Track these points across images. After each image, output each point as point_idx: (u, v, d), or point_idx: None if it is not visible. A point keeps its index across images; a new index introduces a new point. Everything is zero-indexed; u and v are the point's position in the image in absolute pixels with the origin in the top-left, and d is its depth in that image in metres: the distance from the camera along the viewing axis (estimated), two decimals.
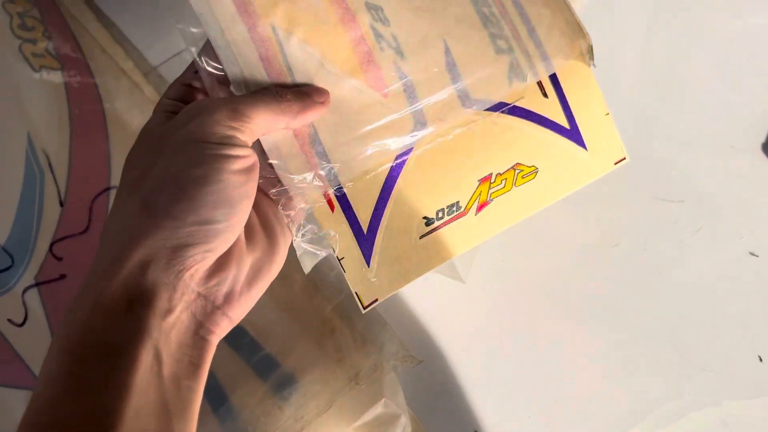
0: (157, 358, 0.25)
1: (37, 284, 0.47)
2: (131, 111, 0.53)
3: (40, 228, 0.49)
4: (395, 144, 0.35)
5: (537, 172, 0.39)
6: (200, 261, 0.26)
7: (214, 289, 0.27)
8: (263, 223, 0.31)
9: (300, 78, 0.33)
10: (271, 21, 0.33)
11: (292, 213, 0.33)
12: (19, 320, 0.46)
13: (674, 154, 0.45)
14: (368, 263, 0.35)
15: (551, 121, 0.39)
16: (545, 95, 0.39)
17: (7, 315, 0.46)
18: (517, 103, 0.38)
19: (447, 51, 0.37)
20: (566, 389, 0.41)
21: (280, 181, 0.33)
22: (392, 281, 0.35)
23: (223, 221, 0.26)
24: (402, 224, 0.36)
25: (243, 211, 0.27)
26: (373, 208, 0.36)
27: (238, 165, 0.27)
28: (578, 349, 0.42)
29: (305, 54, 0.33)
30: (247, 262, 0.29)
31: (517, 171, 0.38)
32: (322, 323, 0.45)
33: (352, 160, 0.34)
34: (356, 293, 0.35)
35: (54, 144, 0.52)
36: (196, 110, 0.28)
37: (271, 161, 0.32)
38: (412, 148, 0.36)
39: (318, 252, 0.35)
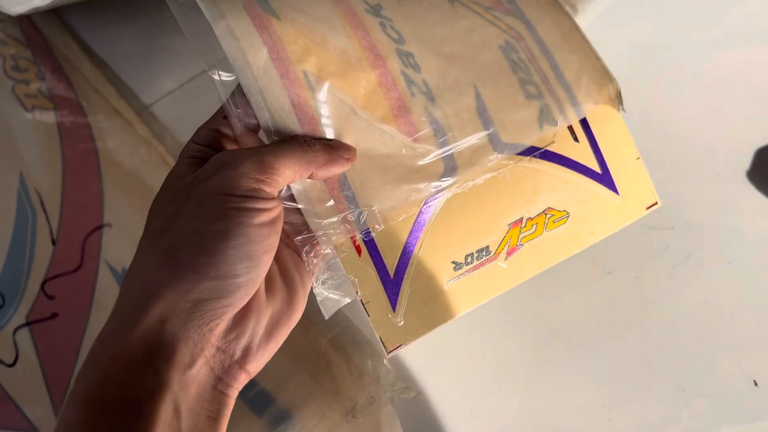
0: (176, 412, 0.25)
1: (28, 323, 0.46)
2: (124, 150, 0.54)
3: (32, 267, 0.49)
4: (426, 188, 0.35)
5: (568, 216, 0.38)
6: (220, 315, 0.26)
7: (233, 343, 0.27)
8: (283, 272, 0.31)
9: (332, 123, 0.33)
10: (303, 67, 0.32)
11: (316, 260, 0.33)
12: (10, 360, 0.45)
13: (662, 184, 0.46)
14: (394, 308, 0.35)
15: (583, 166, 0.39)
16: (576, 139, 0.39)
17: None
18: (549, 148, 0.38)
19: (477, 96, 0.36)
20: (564, 419, 0.41)
21: (305, 228, 0.32)
22: (417, 327, 0.35)
23: (245, 275, 0.26)
24: (430, 269, 0.36)
25: (264, 264, 0.27)
26: (400, 253, 0.35)
27: (262, 218, 0.27)
28: (575, 378, 0.42)
29: (337, 100, 0.33)
30: (266, 314, 0.29)
31: (548, 216, 0.38)
32: (317, 357, 0.45)
33: (381, 205, 0.34)
34: (380, 338, 0.34)
35: (46, 183, 0.52)
36: (222, 162, 0.28)
37: (299, 206, 0.32)
38: (442, 192, 0.36)
39: (341, 298, 0.34)
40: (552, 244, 0.37)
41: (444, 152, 0.35)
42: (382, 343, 0.34)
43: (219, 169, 0.27)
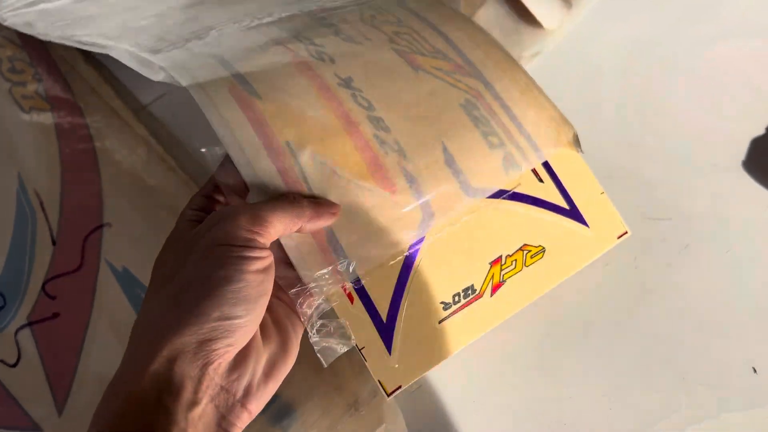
0: None
1: (30, 324, 0.46)
2: (122, 149, 0.54)
3: (33, 267, 0.49)
4: (407, 235, 0.38)
5: (544, 251, 0.40)
6: (223, 355, 0.28)
7: (235, 383, 0.29)
8: (275, 321, 0.34)
9: (315, 184, 0.36)
10: (285, 138, 0.36)
11: (310, 311, 0.35)
12: (12, 361, 0.45)
13: (660, 175, 0.46)
14: (389, 351, 0.36)
15: (551, 203, 0.41)
16: (541, 180, 0.42)
17: (0, 356, 0.46)
18: (516, 189, 0.41)
19: (445, 150, 0.40)
20: (565, 409, 0.41)
21: (298, 281, 0.35)
22: (414, 368, 0.37)
23: (244, 317, 0.29)
24: (420, 311, 0.38)
25: (261, 306, 0.30)
26: (391, 298, 0.37)
27: (257, 266, 0.30)
28: (575, 368, 0.42)
29: (318, 164, 0.36)
30: (263, 357, 0.31)
31: (525, 251, 0.40)
32: None
33: (368, 254, 0.37)
34: (379, 381, 0.36)
35: (45, 184, 0.52)
36: (219, 216, 0.31)
37: (291, 259, 0.35)
38: (424, 237, 0.38)
39: (338, 346, 0.36)
40: (533, 278, 0.40)
41: (420, 201, 0.38)
42: (381, 386, 0.36)
43: (217, 223, 0.31)
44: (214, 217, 0.32)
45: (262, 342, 0.31)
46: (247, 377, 0.30)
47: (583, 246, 0.41)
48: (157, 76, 0.39)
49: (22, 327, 0.46)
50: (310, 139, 0.37)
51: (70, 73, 0.58)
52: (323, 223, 0.35)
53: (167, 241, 0.33)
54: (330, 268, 0.36)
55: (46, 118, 0.56)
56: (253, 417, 0.31)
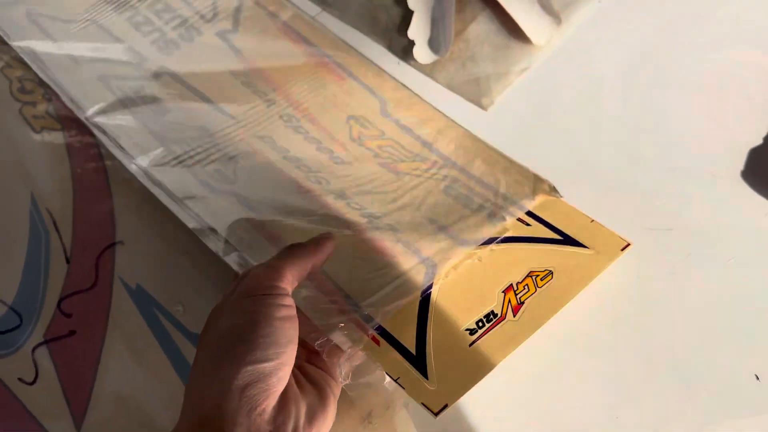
0: None
1: (46, 341, 0.48)
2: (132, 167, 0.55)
3: (48, 286, 0.50)
4: (415, 284, 0.42)
5: (552, 273, 0.43)
6: (264, 399, 0.31)
7: (282, 427, 0.31)
8: (309, 380, 0.36)
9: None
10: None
11: (336, 360, 0.38)
12: (30, 378, 0.46)
13: (660, 185, 0.47)
14: (426, 376, 0.38)
15: (542, 238, 0.45)
16: (527, 224, 0.46)
17: (18, 374, 0.47)
18: (506, 235, 0.45)
19: (433, 222, 0.46)
20: (572, 419, 0.42)
21: (323, 335, 0.39)
22: (457, 387, 0.38)
23: (275, 359, 0.31)
24: (448, 339, 0.40)
25: (291, 351, 0.33)
26: (415, 334, 0.40)
27: (282, 312, 0.33)
28: (580, 379, 0.43)
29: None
30: (302, 405, 0.33)
31: (534, 276, 0.43)
32: None
33: (381, 305, 0.41)
34: (423, 404, 0.37)
35: (58, 203, 0.53)
36: (242, 276, 0.36)
37: (312, 318, 0.39)
38: (433, 283, 0.43)
39: (372, 382, 0.39)
40: (550, 295, 0.42)
41: (420, 258, 0.44)
42: (427, 408, 0.37)
43: (241, 281, 0.35)
44: (239, 278, 0.36)
45: (299, 392, 0.34)
46: (292, 421, 0.32)
47: (589, 263, 0.43)
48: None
49: (38, 345, 0.47)
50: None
51: None
52: (328, 251, 0.39)
53: (213, 310, 0.36)
54: (346, 317, 0.40)
55: (57, 137, 0.57)
56: None
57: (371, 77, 0.57)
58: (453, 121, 0.54)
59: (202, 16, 0.62)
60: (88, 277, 0.50)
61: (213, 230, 0.47)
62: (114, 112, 0.55)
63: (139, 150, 0.52)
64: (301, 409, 0.33)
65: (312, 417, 0.33)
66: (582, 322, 0.43)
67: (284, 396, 0.32)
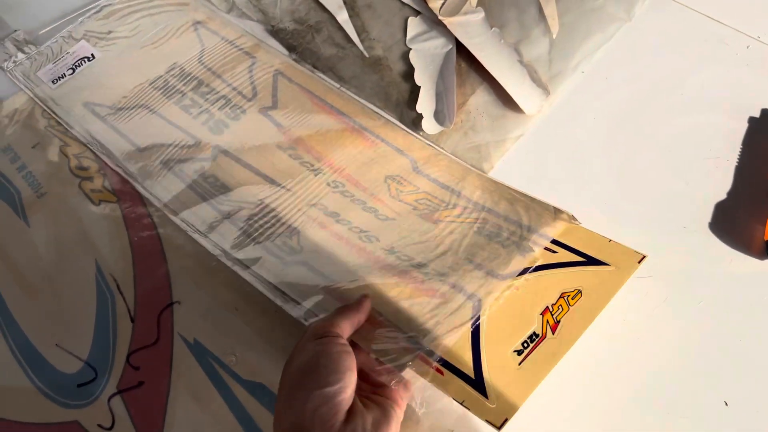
0: None
1: (119, 392, 0.55)
2: (182, 235, 0.62)
3: (117, 342, 0.57)
4: (465, 319, 0.51)
5: (581, 292, 0.50)
6: (333, 416, 0.40)
7: (357, 427, 0.40)
8: (374, 401, 0.45)
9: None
10: None
11: (407, 389, 0.47)
12: (108, 424, 0.54)
13: (639, 236, 0.54)
14: (486, 397, 0.46)
15: (568, 262, 0.52)
16: (554, 251, 0.54)
17: (97, 421, 0.54)
18: (537, 264, 0.53)
19: (470, 262, 0.55)
20: None
21: (396, 373, 0.47)
22: (513, 402, 0.45)
23: (337, 384, 0.40)
24: (500, 362, 0.48)
25: (349, 376, 0.42)
26: (472, 361, 0.48)
27: (338, 348, 0.43)
28: (573, 411, 0.50)
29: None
30: (368, 417, 0.41)
31: (565, 297, 0.50)
32: None
33: (437, 337, 0.50)
34: (487, 421, 0.45)
35: (120, 268, 0.61)
36: (307, 328, 0.46)
37: (386, 363, 0.48)
38: (480, 314, 0.51)
39: (442, 408, 0.49)
40: (582, 311, 0.50)
41: (467, 296, 0.52)
42: (491, 424, 0.45)
43: (306, 331, 0.46)
44: (305, 330, 0.46)
45: (365, 410, 0.42)
46: (359, 429, 0.40)
47: (612, 278, 0.51)
48: None
49: (113, 395, 0.55)
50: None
51: None
52: (367, 308, 0.50)
53: (290, 355, 0.45)
54: (412, 355, 0.48)
55: (114, 209, 0.65)
56: None
57: (400, 140, 0.65)
58: (475, 169, 0.62)
59: (244, 96, 0.71)
60: (151, 334, 0.57)
61: (290, 297, 0.55)
62: (184, 199, 0.64)
63: (216, 234, 0.61)
64: (367, 421, 0.41)
65: (377, 427, 0.41)
66: (577, 357, 0.51)
67: (350, 412, 0.40)
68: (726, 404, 0.48)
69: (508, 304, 0.51)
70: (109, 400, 0.55)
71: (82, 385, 0.56)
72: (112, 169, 0.67)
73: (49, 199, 0.66)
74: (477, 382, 0.47)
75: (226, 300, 0.58)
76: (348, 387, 0.41)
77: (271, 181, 0.64)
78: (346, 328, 0.46)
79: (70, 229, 0.64)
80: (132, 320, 0.58)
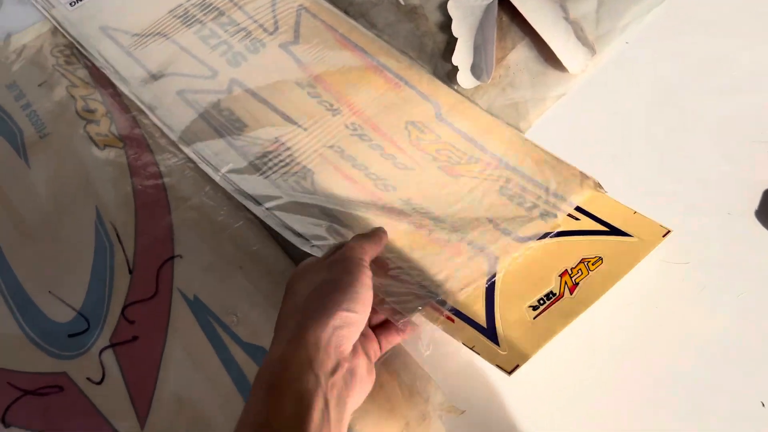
0: (326, 404, 0.36)
1: (112, 345, 0.52)
2: (189, 186, 0.59)
3: (112, 294, 0.54)
4: (481, 274, 0.49)
5: (602, 259, 0.48)
6: (347, 340, 0.39)
7: (355, 366, 0.39)
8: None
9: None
10: None
11: (416, 333, 0.47)
12: (98, 378, 0.51)
13: (678, 221, 0.50)
14: (498, 344, 0.44)
15: (590, 230, 0.50)
16: (577, 219, 0.51)
17: (86, 374, 0.51)
18: (559, 230, 0.51)
19: (491, 221, 0.52)
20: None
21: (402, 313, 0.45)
22: (526, 350, 0.44)
23: (361, 313, 0.39)
24: (514, 315, 0.46)
25: (368, 309, 0.40)
26: (485, 312, 0.47)
27: (369, 281, 0.41)
28: (599, 406, 0.46)
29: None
30: (363, 359, 0.41)
31: (585, 262, 0.48)
32: None
33: (450, 289, 0.48)
34: (498, 365, 0.43)
35: (121, 217, 0.58)
36: (336, 247, 0.46)
37: (395, 306, 0.45)
38: (496, 272, 0.49)
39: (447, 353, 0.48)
40: (602, 277, 0.47)
41: (484, 254, 0.50)
42: (501, 368, 0.43)
43: (344, 249, 0.44)
44: (332, 248, 0.46)
45: (361, 350, 0.41)
46: (362, 365, 0.40)
47: (635, 249, 0.48)
48: None
49: (105, 348, 0.52)
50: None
51: (139, 113, 0.64)
52: (384, 241, 0.47)
53: (300, 268, 0.44)
54: (423, 301, 0.46)
55: (120, 155, 0.62)
56: (356, 407, 0.39)
57: (425, 84, 0.62)
58: (502, 122, 0.59)
59: (265, 29, 0.68)
60: (149, 288, 0.54)
61: (299, 235, 0.53)
62: (197, 130, 0.61)
63: (221, 161, 0.58)
64: (363, 360, 0.40)
65: (368, 371, 0.41)
66: (600, 346, 0.47)
67: (355, 348, 0.40)
68: (763, 405, 0.45)
69: (526, 263, 0.49)
70: (100, 353, 0.52)
71: (73, 336, 0.53)
72: (120, 108, 0.63)
73: (52, 140, 0.63)
74: (489, 330, 0.45)
75: (230, 257, 0.55)
76: (363, 320, 0.40)
77: (288, 119, 0.61)
78: (368, 250, 0.45)
79: (71, 173, 0.61)
80: (130, 272, 0.55)
